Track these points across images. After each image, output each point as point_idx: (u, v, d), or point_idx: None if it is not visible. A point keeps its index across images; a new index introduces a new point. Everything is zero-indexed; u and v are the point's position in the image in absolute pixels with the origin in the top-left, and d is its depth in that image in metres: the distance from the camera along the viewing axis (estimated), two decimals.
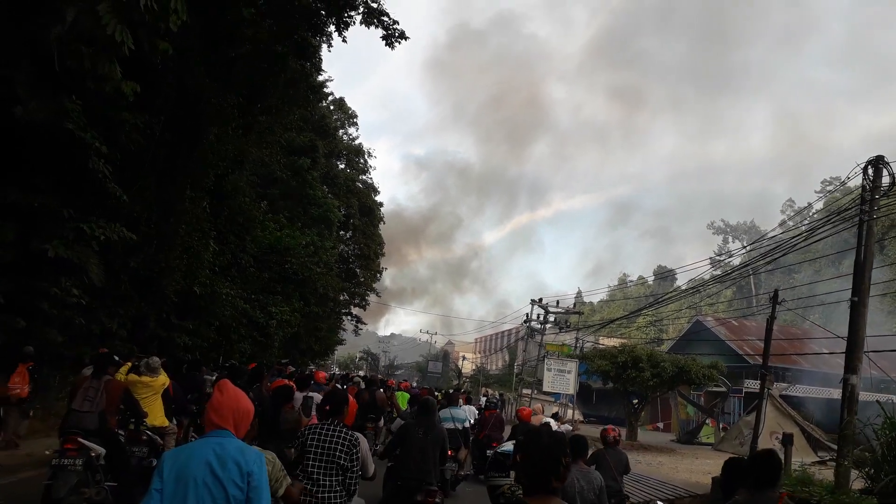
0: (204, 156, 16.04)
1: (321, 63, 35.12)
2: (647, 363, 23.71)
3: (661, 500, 7.50)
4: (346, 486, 5.38)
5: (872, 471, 8.12)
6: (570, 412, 30.00)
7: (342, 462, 5.31)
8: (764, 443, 23.17)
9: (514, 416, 15.31)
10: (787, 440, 12.50)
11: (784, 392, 26.40)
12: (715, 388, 29.18)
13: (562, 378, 27.27)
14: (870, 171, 10.15)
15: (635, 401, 26.14)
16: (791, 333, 38.17)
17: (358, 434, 5.62)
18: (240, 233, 23.44)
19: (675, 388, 26.65)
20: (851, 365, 10.16)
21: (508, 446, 10.69)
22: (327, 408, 5.70)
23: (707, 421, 30.51)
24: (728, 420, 29.87)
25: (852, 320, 10.27)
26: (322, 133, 34.66)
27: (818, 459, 18.94)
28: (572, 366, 27.56)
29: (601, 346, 32.45)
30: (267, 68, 15.77)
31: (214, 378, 13.16)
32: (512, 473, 5.44)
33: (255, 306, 22.90)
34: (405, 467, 7.40)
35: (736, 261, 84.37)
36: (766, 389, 15.20)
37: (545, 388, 29.00)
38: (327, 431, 5.40)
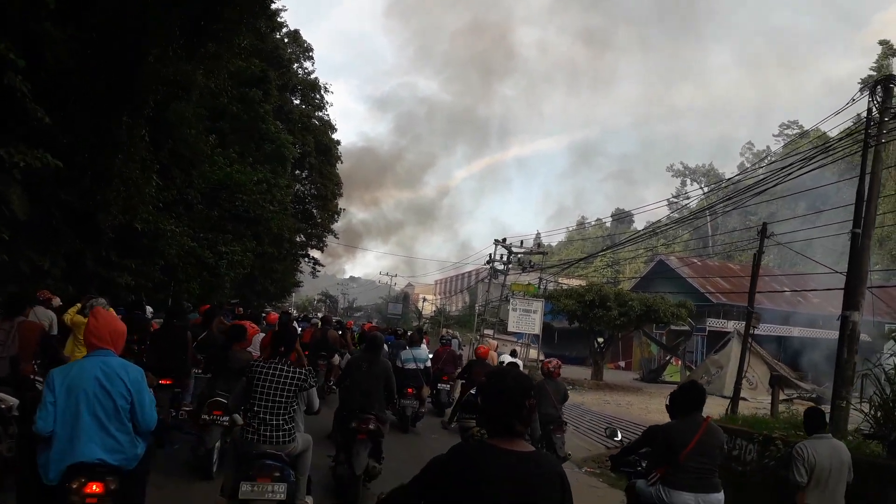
0: (142, 79, 14.56)
1: None
2: (614, 302, 23.26)
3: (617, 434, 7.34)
4: (293, 424, 5.54)
5: (881, 414, 7.49)
6: (532, 352, 29.62)
7: (289, 399, 5.47)
8: (731, 381, 23.10)
9: (471, 354, 15.08)
10: (775, 381, 12.02)
11: (756, 331, 26.12)
12: (677, 328, 29.00)
13: (527, 318, 26.78)
14: (878, 92, 9.36)
15: (600, 339, 25.75)
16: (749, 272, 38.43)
17: (307, 374, 5.74)
18: (186, 167, 22.00)
19: (641, 327, 26.31)
20: (853, 301, 9.64)
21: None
22: (282, 348, 5.78)
23: (671, 360, 30.44)
24: (691, 359, 29.87)
25: (854, 254, 9.65)
26: (275, 64, 32.89)
27: (785, 397, 18.73)
28: (538, 305, 27.06)
29: (565, 286, 31.95)
30: None
31: (152, 318, 13.17)
32: None
33: (203, 245, 21.71)
34: (349, 399, 7.77)
35: (693, 203, 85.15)
36: (752, 328, 14.64)
37: (510, 329, 28.54)
38: (276, 370, 5.52)
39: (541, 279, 34.92)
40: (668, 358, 30.66)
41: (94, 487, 3.76)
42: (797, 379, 21.79)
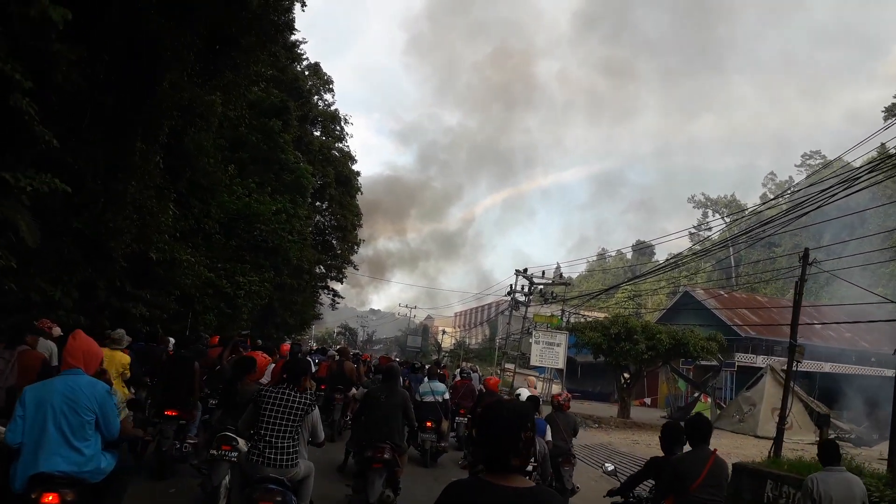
0: (156, 104, 14.26)
1: (294, 21, 33.40)
2: (641, 335, 22.39)
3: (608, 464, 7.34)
4: (296, 449, 5.65)
5: None
6: (554, 387, 28.75)
7: (295, 425, 5.61)
8: (765, 419, 22.12)
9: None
10: (823, 421, 11.20)
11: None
12: (705, 363, 28.00)
13: (550, 351, 25.96)
14: None
15: (626, 375, 24.80)
16: (780, 304, 37.31)
17: (311, 399, 5.87)
18: (204, 197, 21.77)
19: (669, 361, 25.36)
20: None
21: None
22: (284, 375, 5.97)
23: (699, 396, 29.31)
24: (720, 395, 28.81)
25: None
26: (295, 95, 32.80)
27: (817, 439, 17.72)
28: (562, 338, 26.23)
29: (589, 318, 31.10)
30: (227, 5, 13.95)
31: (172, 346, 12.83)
32: None
33: (220, 275, 21.32)
34: (367, 429, 7.83)
35: (715, 235, 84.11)
36: (795, 363, 13.64)
37: (533, 363, 27.68)
38: (284, 396, 5.66)
39: (563, 311, 34.12)
40: (696, 395, 29.53)
41: (51, 498, 3.99)
42: (834, 419, 20.77)
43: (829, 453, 5.89)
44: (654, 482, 6.02)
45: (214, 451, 7.19)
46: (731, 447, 16.85)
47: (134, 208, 15.01)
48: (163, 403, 8.77)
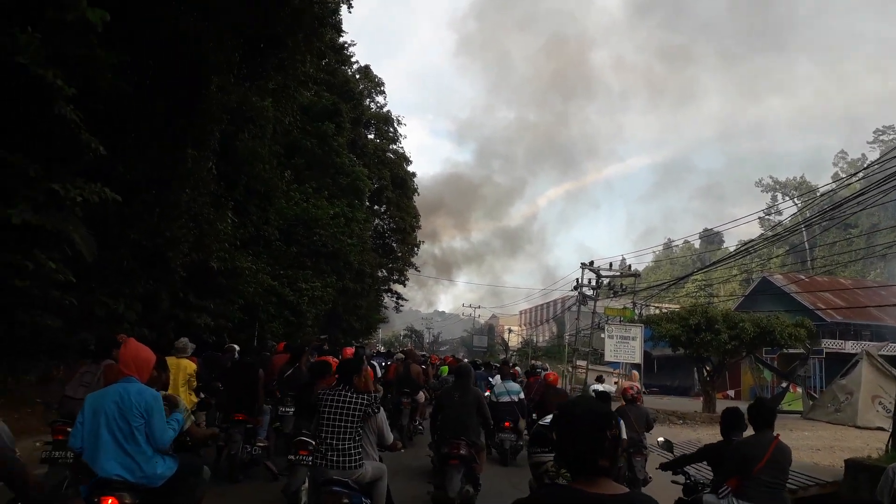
0: (206, 108, 13.95)
1: (341, 23, 33.19)
2: (723, 324, 21.06)
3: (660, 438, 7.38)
4: (358, 451, 5.56)
5: None
6: (624, 382, 27.62)
7: (354, 426, 5.54)
8: (865, 408, 20.63)
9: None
10: None
11: (883, 351, 23.41)
12: (790, 351, 26.38)
13: (625, 346, 24.84)
14: None
15: (708, 367, 23.40)
16: (865, 285, 35.37)
17: (369, 400, 5.75)
18: (261, 204, 21.57)
19: (753, 351, 23.89)
20: None
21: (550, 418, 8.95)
22: (336, 375, 6.08)
23: (788, 387, 27.60)
24: (809, 384, 27.16)
25: None
26: (347, 98, 32.52)
27: None
28: (637, 331, 25.07)
29: (664, 310, 29.78)
30: (268, 3, 13.53)
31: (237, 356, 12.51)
32: None
33: (283, 282, 21.07)
34: (444, 429, 7.96)
35: (786, 218, 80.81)
36: None
37: (607, 358, 26.63)
38: (339, 397, 5.63)
39: (634, 303, 32.82)
40: (784, 385, 27.87)
41: (110, 502, 4.06)
42: None
43: None
44: (710, 467, 6.09)
45: (292, 457, 7.21)
46: (831, 439, 15.58)
47: (190, 217, 14.78)
48: (230, 409, 8.96)
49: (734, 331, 20.83)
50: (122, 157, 12.02)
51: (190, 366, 9.17)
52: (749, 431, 5.66)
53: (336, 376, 7.81)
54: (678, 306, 35.12)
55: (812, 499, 8.62)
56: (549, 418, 6.28)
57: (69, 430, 5.92)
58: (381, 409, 5.99)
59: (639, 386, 11.27)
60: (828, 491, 8.70)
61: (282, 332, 21.54)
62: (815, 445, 14.75)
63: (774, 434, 5.41)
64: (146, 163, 13.03)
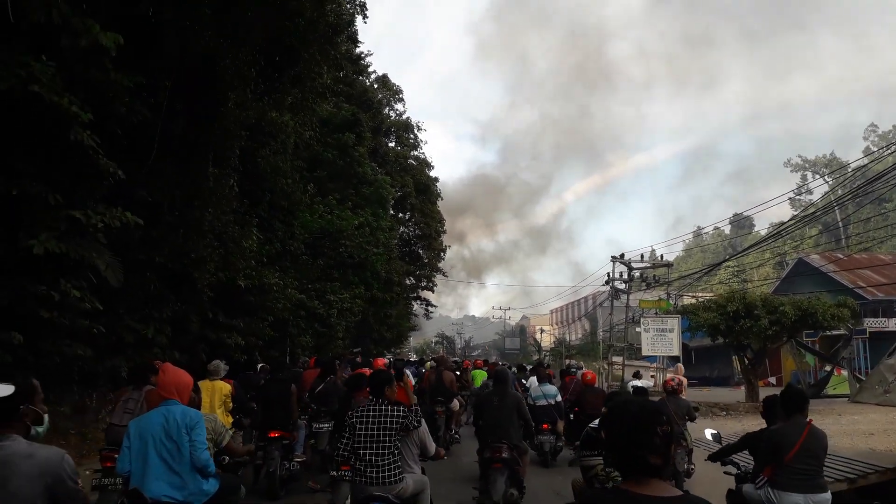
0: (224, 126, 13.86)
1: (357, 34, 33.16)
2: (762, 310, 20.46)
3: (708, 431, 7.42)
4: (398, 465, 5.47)
5: None
6: (669, 376, 27.08)
7: (392, 440, 5.43)
8: None
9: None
10: None
11: None
12: (831, 333, 25.65)
13: (663, 338, 24.32)
14: None
15: (749, 355, 22.76)
16: None
17: (407, 409, 5.70)
18: (286, 219, 21.53)
19: (795, 335, 23.21)
20: None
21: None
22: (367, 389, 6.09)
23: (833, 370, 26.82)
24: (853, 366, 26.40)
25: None
26: (365, 107, 32.48)
27: None
28: (674, 323, 24.51)
29: (699, 299, 29.15)
30: (281, 16, 13.43)
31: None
32: None
33: (311, 296, 20.98)
34: (486, 433, 8.08)
35: (817, 196, 79.40)
36: None
37: (644, 352, 26.08)
38: (374, 412, 5.52)
39: (668, 294, 32.22)
40: (828, 368, 27.10)
41: None
42: None
43: None
44: (752, 456, 6.05)
45: (334, 472, 7.02)
46: (884, 423, 14.99)
47: (215, 236, 14.70)
48: (265, 426, 9.02)
49: (774, 315, 20.22)
50: (142, 180, 11.93)
51: (225, 387, 9.25)
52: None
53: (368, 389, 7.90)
54: (712, 294, 34.47)
55: (873, 487, 8.18)
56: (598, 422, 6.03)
57: (116, 456, 6.09)
58: (423, 420, 5.98)
59: (682, 378, 11.15)
60: (889, 477, 8.26)
61: (312, 346, 21.51)
62: (867, 430, 14.19)
63: (808, 420, 5.38)
64: (167, 184, 12.96)
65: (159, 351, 13.33)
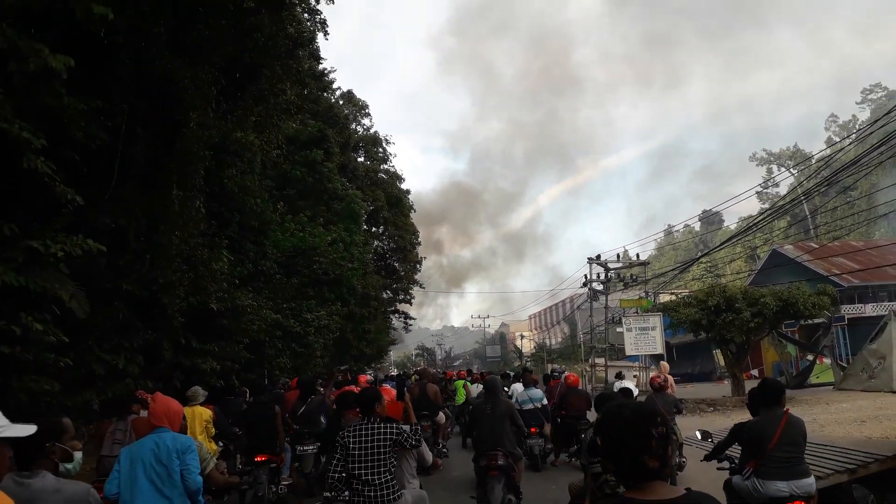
0: (186, 147, 13.48)
1: (319, 51, 32.90)
2: (743, 302, 20.45)
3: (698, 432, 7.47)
4: (394, 482, 5.42)
5: None
6: (653, 374, 26.99)
7: (387, 457, 5.38)
8: None
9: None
10: None
11: None
12: (810, 322, 25.74)
13: (645, 337, 24.25)
14: None
15: (732, 349, 22.70)
16: (878, 245, 34.76)
17: (401, 426, 5.65)
18: (257, 239, 21.10)
19: (777, 326, 23.23)
20: None
21: None
22: (357, 409, 5.92)
23: (815, 359, 26.85)
24: (834, 354, 26.48)
25: None
26: (332, 123, 32.19)
27: None
28: (656, 321, 24.45)
29: (677, 296, 29.10)
30: (239, 32, 13.14)
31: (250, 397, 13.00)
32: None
33: (286, 315, 20.57)
34: (480, 441, 8.23)
35: (784, 189, 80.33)
36: None
37: (629, 352, 25.96)
38: (366, 430, 5.48)
39: (646, 293, 32.22)
40: (810, 358, 27.16)
41: None
42: None
43: None
44: (741, 446, 6.15)
45: (328, 493, 6.79)
46: (873, 409, 14.94)
47: (183, 260, 14.27)
48: (251, 451, 8.96)
49: (755, 307, 20.22)
50: (105, 207, 11.52)
51: (205, 412, 9.32)
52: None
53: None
54: (689, 291, 34.54)
55: (874, 476, 8.01)
56: None
57: None
58: (422, 440, 6.02)
59: (669, 377, 11.33)
60: (890, 466, 8.11)
61: (290, 367, 21.10)
62: (858, 417, 14.11)
63: (785, 409, 5.61)
64: (131, 209, 12.53)
65: (132, 381, 12.87)
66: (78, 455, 3.83)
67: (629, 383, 12.51)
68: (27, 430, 3.01)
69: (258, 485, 8.66)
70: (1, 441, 2.87)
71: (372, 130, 43.67)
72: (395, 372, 40.08)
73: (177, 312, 13.96)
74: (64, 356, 10.73)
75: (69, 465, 3.72)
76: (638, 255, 31.82)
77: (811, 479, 5.55)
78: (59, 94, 9.71)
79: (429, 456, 6.02)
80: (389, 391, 7.58)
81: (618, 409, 2.26)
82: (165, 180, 13.22)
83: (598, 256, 29.79)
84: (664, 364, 15.00)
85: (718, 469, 6.44)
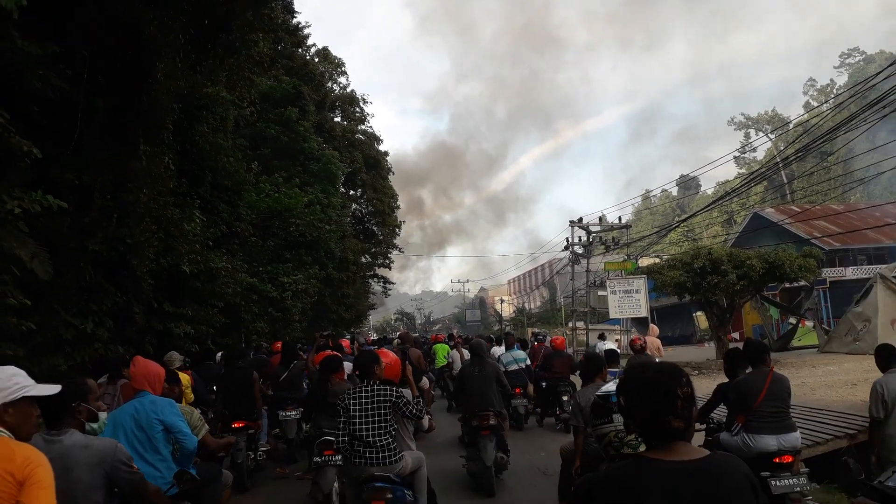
0: (155, 100, 12.77)
1: (293, 4, 31.82)
2: (729, 265, 20.19)
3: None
4: (396, 444, 5.52)
5: None
6: (634, 335, 26.86)
7: (388, 419, 5.47)
8: (885, 333, 19.89)
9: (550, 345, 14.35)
10: None
11: None
12: (791, 285, 25.69)
13: (629, 300, 24.04)
14: None
15: (717, 312, 22.54)
16: (858, 207, 34.78)
17: (400, 389, 5.76)
18: (230, 199, 20.40)
19: (762, 289, 23.09)
20: None
21: (610, 387, 8.27)
22: (356, 372, 5.99)
23: (798, 322, 26.83)
24: (815, 317, 26.52)
25: None
26: (307, 80, 31.24)
27: None
28: (640, 284, 24.22)
29: (664, 257, 28.91)
30: None
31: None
32: (616, 418, 4.90)
33: (263, 279, 20.03)
34: (468, 403, 8.69)
35: (761, 154, 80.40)
36: None
37: (612, 315, 25.82)
38: (366, 393, 5.56)
39: (628, 255, 31.98)
40: (792, 321, 27.14)
41: None
42: None
43: (885, 358, 6.31)
44: (726, 406, 6.31)
45: (318, 459, 7.07)
46: (861, 371, 14.73)
47: (152, 219, 13.63)
48: (228, 417, 8.87)
49: (741, 269, 19.99)
50: (67, 161, 10.86)
51: (183, 378, 8.71)
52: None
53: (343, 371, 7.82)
54: (670, 256, 34.39)
55: None
56: (607, 387, 5.59)
57: None
58: (409, 393, 6.08)
59: (657, 340, 11.45)
60: None
61: (268, 331, 20.63)
62: (849, 380, 13.97)
63: (769, 368, 5.88)
64: (96, 165, 11.84)
65: (101, 346, 12.34)
66: (103, 415, 4.19)
67: (613, 345, 12.45)
68: (52, 389, 3.06)
69: (237, 452, 8.51)
70: (28, 400, 2.93)
71: (349, 89, 42.64)
72: (374, 336, 39.70)
73: (146, 274, 13.34)
74: (27, 320, 10.21)
75: (94, 425, 3.98)
76: (620, 218, 31.53)
77: (797, 434, 5.80)
78: (11, 35, 9.03)
79: (426, 420, 6.11)
80: (388, 354, 7.21)
81: (641, 369, 2.19)
82: (131, 134, 12.54)
83: (581, 219, 29.46)
84: (653, 327, 14.85)
85: (697, 431, 6.13)
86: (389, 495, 5.29)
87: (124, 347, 12.91)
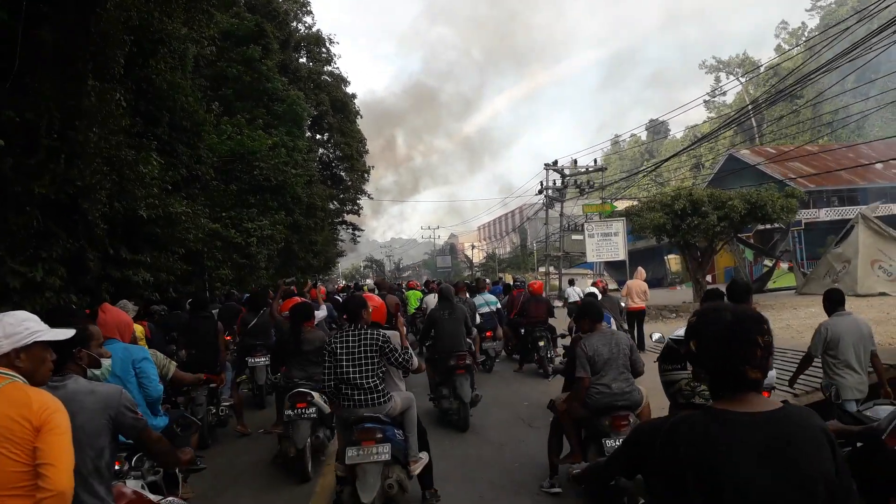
0: (103, 31, 11.77)
1: None
2: (710, 206, 19.80)
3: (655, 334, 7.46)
4: (384, 386, 5.62)
5: None
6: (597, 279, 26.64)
7: (376, 361, 5.55)
8: (865, 274, 19.83)
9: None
10: None
11: (878, 213, 22.47)
12: (765, 227, 25.49)
13: (608, 243, 23.75)
14: None
15: (697, 254, 22.21)
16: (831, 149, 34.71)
17: (386, 332, 5.80)
18: (190, 141, 19.40)
19: (743, 231, 22.83)
20: None
21: (682, 331, 7.79)
22: (345, 316, 6.00)
23: (774, 264, 26.74)
24: (790, 259, 26.48)
25: None
26: (270, 18, 29.84)
27: None
28: (618, 226, 23.88)
29: (642, 199, 28.49)
30: None
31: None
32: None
33: (226, 225, 19.23)
34: (440, 345, 9.10)
35: (731, 98, 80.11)
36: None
37: (590, 258, 25.51)
38: (353, 336, 5.60)
39: (603, 199, 31.54)
40: (768, 263, 27.08)
41: None
42: None
43: (832, 303, 6.72)
44: None
45: (291, 412, 6.95)
46: None
47: (104, 160, 12.73)
48: (190, 369, 8.10)
49: (722, 211, 19.62)
50: (7, 98, 9.96)
51: (137, 329, 8.28)
52: None
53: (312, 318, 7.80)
54: (647, 196, 34.12)
55: (875, 386, 7.32)
56: (679, 331, 5.31)
57: None
58: (397, 336, 6.15)
59: (644, 283, 11.74)
60: (891, 375, 7.50)
61: (233, 278, 19.97)
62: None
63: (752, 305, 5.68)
64: (41, 101, 10.91)
65: (53, 295, 11.61)
66: (106, 362, 4.09)
67: (593, 289, 12.15)
68: (65, 333, 3.03)
69: (197, 406, 8.13)
70: (41, 345, 2.90)
71: (314, 29, 41.04)
72: (342, 283, 39.08)
73: (100, 219, 12.51)
74: None
75: (97, 371, 3.91)
76: (596, 161, 30.96)
77: (773, 372, 6.02)
78: None
79: (415, 361, 6.05)
80: (374, 298, 6.87)
81: (717, 313, 1.97)
82: (80, 68, 11.56)
83: (556, 162, 28.84)
84: (640, 270, 14.57)
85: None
86: (379, 435, 5.37)
87: (79, 296, 12.23)
